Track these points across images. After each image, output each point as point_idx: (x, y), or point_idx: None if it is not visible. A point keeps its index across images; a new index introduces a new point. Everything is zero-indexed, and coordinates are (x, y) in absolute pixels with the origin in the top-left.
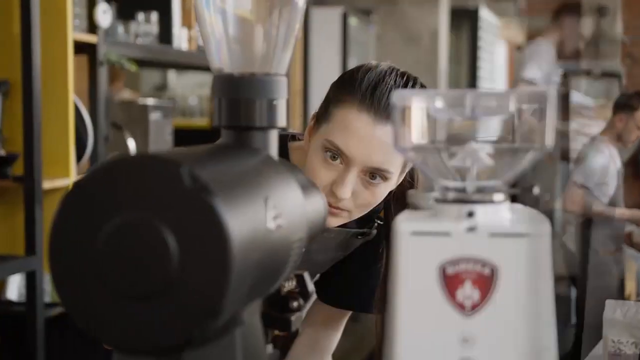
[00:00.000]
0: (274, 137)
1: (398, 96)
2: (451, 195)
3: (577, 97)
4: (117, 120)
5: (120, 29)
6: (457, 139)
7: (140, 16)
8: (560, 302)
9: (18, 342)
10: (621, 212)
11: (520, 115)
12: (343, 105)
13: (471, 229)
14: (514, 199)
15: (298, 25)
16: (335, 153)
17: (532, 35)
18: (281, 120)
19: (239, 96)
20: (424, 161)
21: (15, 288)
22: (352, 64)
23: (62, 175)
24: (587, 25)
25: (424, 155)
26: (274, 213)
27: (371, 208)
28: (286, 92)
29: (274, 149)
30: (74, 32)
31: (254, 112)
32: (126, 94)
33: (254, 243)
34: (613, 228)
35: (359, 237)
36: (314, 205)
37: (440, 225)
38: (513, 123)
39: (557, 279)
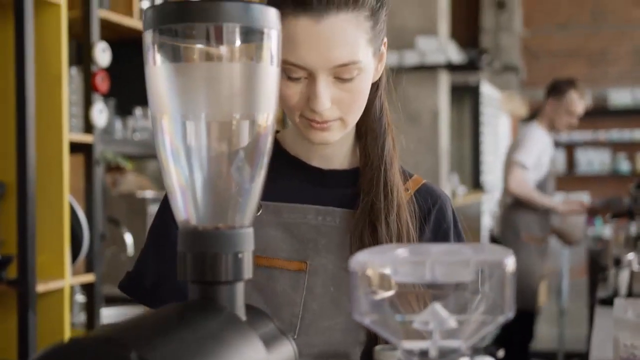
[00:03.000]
0: (239, 290)
1: (356, 262)
2: None
3: None
4: (116, 213)
5: (118, 124)
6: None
7: (138, 111)
8: None
9: None
10: (559, 204)
11: (481, 282)
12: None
13: None
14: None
15: (263, 172)
16: (293, 72)
17: (534, 107)
18: (247, 273)
19: (205, 250)
20: (384, 324)
21: None
22: None
23: (57, 276)
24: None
25: (384, 318)
26: None
27: (363, 107)
28: (252, 244)
29: (239, 303)
30: (71, 133)
31: (219, 267)
32: (131, 178)
33: None
34: (539, 214)
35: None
36: (279, 356)
37: None
38: (476, 290)
39: None
